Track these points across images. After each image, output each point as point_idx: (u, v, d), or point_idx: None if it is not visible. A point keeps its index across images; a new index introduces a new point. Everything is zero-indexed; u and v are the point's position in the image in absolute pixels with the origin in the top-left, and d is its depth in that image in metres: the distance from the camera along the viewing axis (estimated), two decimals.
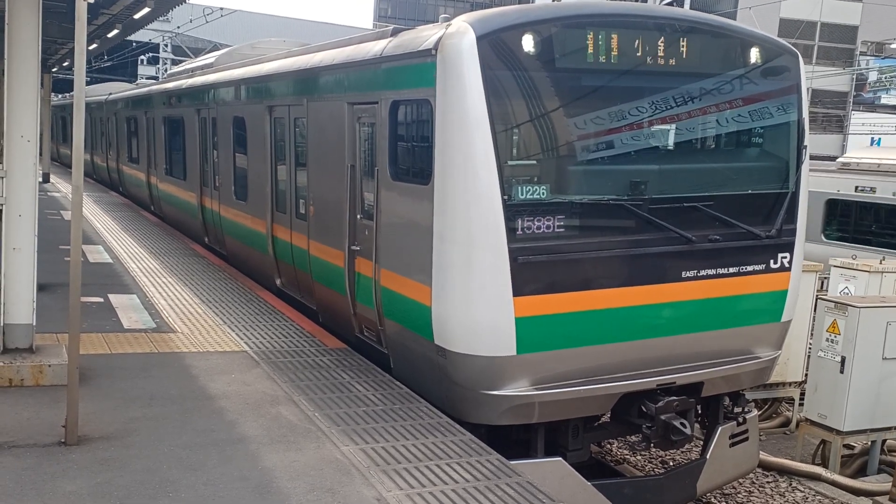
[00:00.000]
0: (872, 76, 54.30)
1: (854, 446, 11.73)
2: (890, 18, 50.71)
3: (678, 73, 7.98)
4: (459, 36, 7.22)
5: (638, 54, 7.72)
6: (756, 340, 8.73)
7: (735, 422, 9.02)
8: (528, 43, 7.25)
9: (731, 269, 8.32)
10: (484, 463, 6.57)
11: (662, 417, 7.94)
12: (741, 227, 8.27)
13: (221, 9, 35.60)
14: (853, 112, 54.12)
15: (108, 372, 8.21)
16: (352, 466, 6.34)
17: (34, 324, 8.02)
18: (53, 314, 9.45)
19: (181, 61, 36.65)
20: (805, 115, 8.79)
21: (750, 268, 8.45)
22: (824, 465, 11.20)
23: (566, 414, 7.80)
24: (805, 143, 8.73)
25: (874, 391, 10.90)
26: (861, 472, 11.42)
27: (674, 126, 8.22)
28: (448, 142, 7.29)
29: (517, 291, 7.25)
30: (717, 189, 8.31)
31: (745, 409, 9.20)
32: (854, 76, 53.06)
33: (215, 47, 36.45)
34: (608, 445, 11.75)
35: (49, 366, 7.79)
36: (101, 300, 11.17)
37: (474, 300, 7.32)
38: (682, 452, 11.34)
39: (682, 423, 7.92)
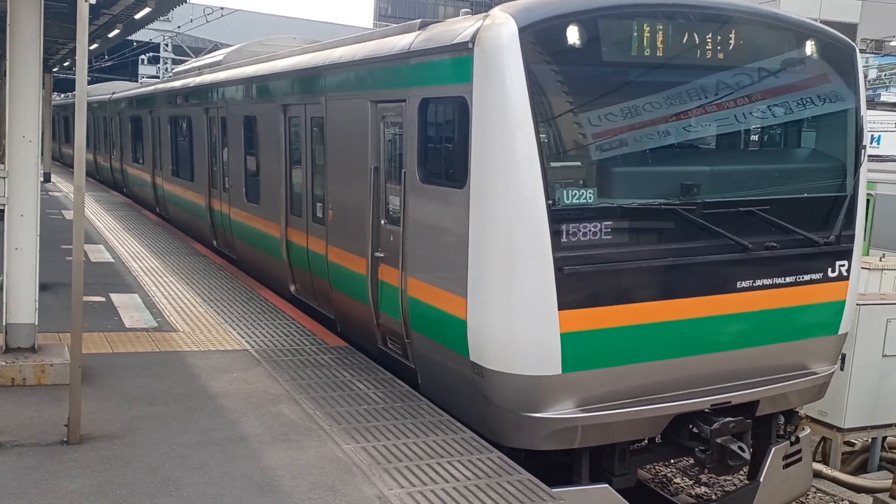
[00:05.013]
0: (872, 73, 54.25)
1: (855, 443, 11.75)
2: (889, 16, 50.67)
3: (731, 68, 7.44)
4: (500, 27, 6.67)
5: (689, 47, 7.21)
6: (812, 355, 8.17)
7: (788, 441, 8.43)
8: (572, 35, 6.71)
9: (788, 279, 7.76)
10: (485, 461, 6.58)
11: (718, 440, 7.35)
12: (799, 234, 7.69)
13: (222, 8, 35.64)
14: None
15: (110, 371, 8.23)
16: (353, 465, 6.36)
17: (36, 323, 8.04)
18: (55, 313, 9.48)
19: (182, 61, 36.70)
20: (863, 112, 8.22)
21: (807, 277, 7.87)
22: (825, 462, 11.22)
23: (613, 438, 7.25)
24: (864, 143, 8.17)
25: (874, 388, 10.91)
26: (862, 469, 11.44)
27: (728, 125, 7.75)
28: (487, 142, 6.76)
29: (563, 304, 6.68)
30: (773, 192, 7.71)
31: (800, 427, 8.72)
32: None
33: (216, 47, 36.49)
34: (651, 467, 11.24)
35: (51, 365, 7.81)
36: (103, 299, 11.19)
37: (515, 314, 6.75)
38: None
39: (739, 447, 7.33)
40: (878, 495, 9.78)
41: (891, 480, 10.30)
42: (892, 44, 48.30)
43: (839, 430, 10.92)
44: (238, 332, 9.91)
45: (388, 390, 8.10)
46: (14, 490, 5.68)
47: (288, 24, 66.67)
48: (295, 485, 5.98)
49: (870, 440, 11.39)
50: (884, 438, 11.49)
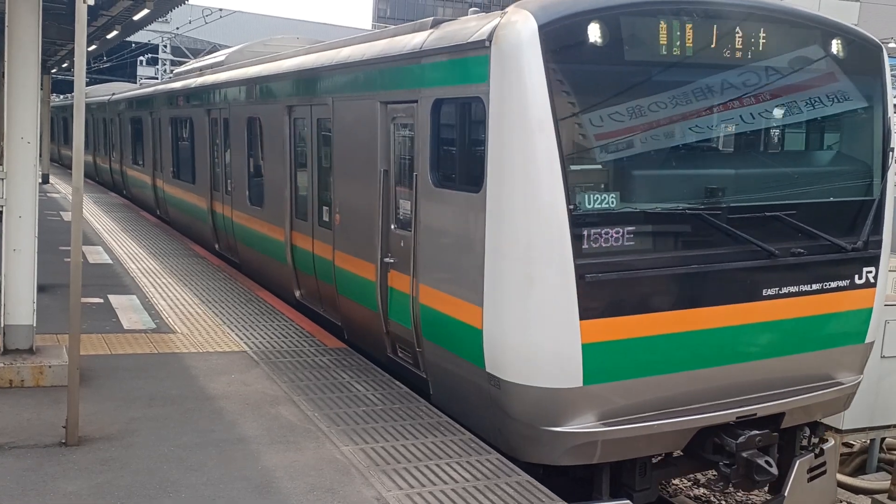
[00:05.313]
0: None
1: (853, 444, 11.75)
2: (887, 17, 50.73)
3: (756, 67, 7.19)
4: (518, 25, 6.42)
5: (713, 45, 6.95)
6: (838, 364, 7.93)
7: (813, 454, 8.16)
8: (594, 32, 6.45)
9: (815, 286, 7.51)
10: (483, 462, 6.59)
11: (744, 454, 7.09)
12: (826, 239, 7.46)
13: (220, 10, 35.63)
14: None
15: (108, 372, 8.23)
16: (351, 466, 6.36)
17: (34, 325, 8.04)
18: (53, 315, 9.47)
19: (180, 62, 36.71)
20: (891, 113, 7.97)
21: (834, 284, 7.63)
22: None
23: (634, 453, 7.01)
24: (892, 146, 7.90)
25: (873, 389, 10.88)
26: (860, 471, 11.45)
27: (752, 126, 7.56)
28: (505, 144, 6.51)
29: (584, 314, 6.42)
30: (799, 196, 7.49)
31: (825, 439, 8.46)
32: None
33: (214, 48, 36.50)
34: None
35: (49, 367, 7.81)
36: (101, 301, 11.19)
37: (534, 323, 6.51)
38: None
39: (766, 462, 7.09)
40: (877, 496, 9.80)
41: (889, 482, 10.31)
42: (890, 45, 48.34)
43: (837, 431, 10.91)
44: (236, 334, 9.91)
45: (386, 392, 8.10)
46: (12, 492, 5.68)
47: (286, 25, 66.65)
48: (293, 486, 5.98)
49: (868, 441, 11.39)
50: (882, 440, 11.49)
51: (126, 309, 10.89)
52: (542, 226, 6.38)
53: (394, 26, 9.34)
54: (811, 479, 8.14)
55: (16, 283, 7.88)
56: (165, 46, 53.34)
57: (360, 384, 8.27)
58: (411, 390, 8.15)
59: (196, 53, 41.44)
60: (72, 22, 6.67)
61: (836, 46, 7.62)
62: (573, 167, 6.45)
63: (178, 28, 42.10)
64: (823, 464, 8.33)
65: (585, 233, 6.41)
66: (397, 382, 8.37)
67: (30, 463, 6.15)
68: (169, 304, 11.22)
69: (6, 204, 7.79)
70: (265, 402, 7.65)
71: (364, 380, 8.41)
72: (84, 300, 7.99)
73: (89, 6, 6.44)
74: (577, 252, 6.37)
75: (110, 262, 14.31)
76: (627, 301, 6.67)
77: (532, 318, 6.51)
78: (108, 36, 21.80)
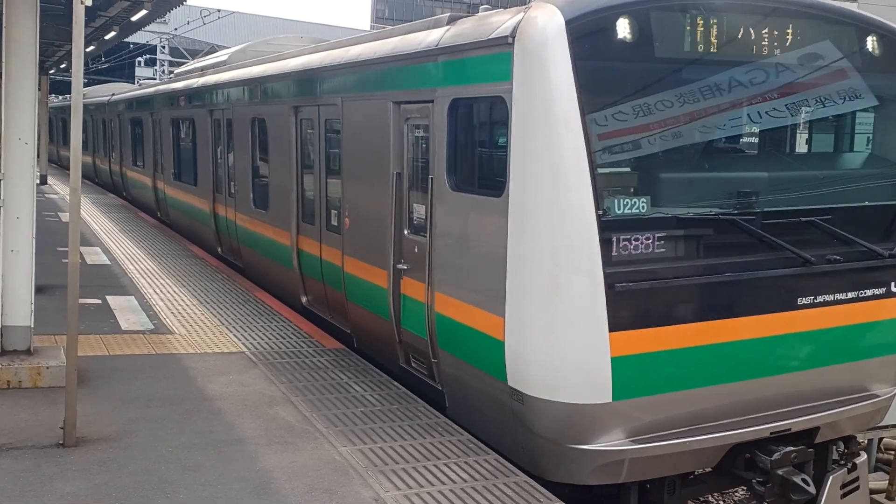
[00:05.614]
0: None
1: None
2: (885, 18, 50.81)
3: (791, 66, 6.91)
4: (544, 20, 6.12)
5: (746, 42, 6.67)
6: (872, 376, 7.63)
7: (846, 468, 7.74)
8: (623, 28, 6.17)
9: (851, 295, 7.24)
10: (482, 462, 6.59)
11: (779, 472, 6.79)
12: (862, 245, 7.19)
13: (218, 11, 35.58)
14: None
15: (106, 373, 8.23)
16: (350, 467, 6.36)
17: (32, 326, 8.04)
18: (51, 316, 9.47)
19: (179, 63, 36.71)
20: None
21: (870, 292, 7.36)
22: None
23: (663, 471, 6.69)
24: None
25: None
26: None
27: (787, 127, 7.28)
28: (529, 146, 6.20)
29: (614, 325, 6.09)
30: (835, 200, 7.23)
31: (858, 453, 8.14)
32: None
33: (213, 49, 36.45)
34: None
35: (47, 367, 7.80)
36: (99, 302, 11.19)
37: (561, 335, 6.18)
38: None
39: (804, 480, 6.78)
40: (874, 496, 9.80)
41: (886, 481, 10.33)
42: None
43: None
44: (234, 335, 9.91)
45: (384, 392, 8.10)
46: (10, 493, 5.68)
47: (284, 25, 66.67)
48: (291, 487, 5.98)
49: (866, 441, 11.40)
50: (880, 440, 11.51)
51: (124, 310, 10.88)
52: (569, 231, 6.08)
53: (406, 24, 9.11)
54: (844, 494, 7.77)
55: (13, 283, 7.88)
56: (164, 47, 53.42)
57: (359, 385, 8.27)
58: (426, 403, 7.92)
59: (194, 54, 41.42)
60: (69, 23, 6.68)
61: (872, 44, 7.35)
62: (602, 170, 6.16)
63: (176, 29, 42.07)
64: (857, 478, 7.99)
65: (615, 239, 6.12)
66: (395, 383, 8.37)
67: (27, 464, 6.14)
68: (167, 305, 11.22)
69: (4, 205, 7.79)
70: (263, 403, 7.65)
71: (362, 381, 8.41)
72: (82, 301, 7.98)
73: (87, 7, 6.43)
74: (607, 260, 6.07)
75: (108, 262, 14.31)
76: (659, 311, 6.38)
77: (558, 329, 6.20)
78: (107, 37, 21.86)
